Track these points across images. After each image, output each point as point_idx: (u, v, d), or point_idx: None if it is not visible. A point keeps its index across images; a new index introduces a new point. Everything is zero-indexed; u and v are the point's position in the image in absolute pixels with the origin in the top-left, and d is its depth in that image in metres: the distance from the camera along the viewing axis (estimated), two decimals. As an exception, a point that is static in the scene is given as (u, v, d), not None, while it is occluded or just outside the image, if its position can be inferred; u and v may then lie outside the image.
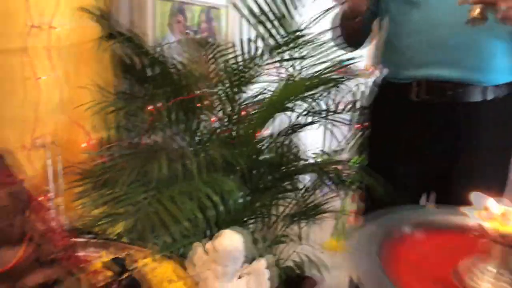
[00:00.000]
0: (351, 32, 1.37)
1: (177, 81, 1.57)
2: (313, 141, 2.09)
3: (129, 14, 1.81)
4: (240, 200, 1.39)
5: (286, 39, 1.64)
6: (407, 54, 1.27)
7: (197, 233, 1.26)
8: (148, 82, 1.62)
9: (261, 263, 0.94)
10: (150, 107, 1.43)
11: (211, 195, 1.20)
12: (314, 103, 1.69)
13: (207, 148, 1.39)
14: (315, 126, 1.82)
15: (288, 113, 1.78)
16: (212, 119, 1.65)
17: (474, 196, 0.75)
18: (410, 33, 1.25)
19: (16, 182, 0.91)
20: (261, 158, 1.79)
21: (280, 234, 1.88)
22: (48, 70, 1.22)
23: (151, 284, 0.98)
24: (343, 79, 1.56)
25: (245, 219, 1.65)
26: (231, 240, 0.93)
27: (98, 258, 1.09)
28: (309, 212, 1.78)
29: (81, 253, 1.04)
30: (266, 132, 1.62)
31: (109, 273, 0.93)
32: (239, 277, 0.96)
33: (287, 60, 1.72)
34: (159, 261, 1.06)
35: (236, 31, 2.08)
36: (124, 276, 0.93)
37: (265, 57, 1.67)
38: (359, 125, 1.71)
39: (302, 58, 1.68)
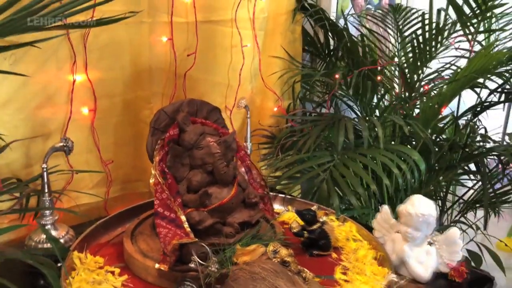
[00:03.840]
0: None
1: (358, 53, 1.58)
2: (493, 122, 1.89)
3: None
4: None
5: (482, 8, 1.51)
6: None
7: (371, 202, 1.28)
8: (331, 55, 1.67)
9: (454, 232, 0.91)
10: (336, 77, 1.47)
11: (399, 162, 1.20)
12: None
13: (387, 120, 1.38)
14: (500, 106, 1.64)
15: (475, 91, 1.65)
16: (396, 92, 1.62)
17: None
18: None
19: (229, 133, 1.04)
20: (442, 136, 1.71)
21: (456, 220, 1.77)
22: (251, 39, 1.35)
23: (337, 239, 1.03)
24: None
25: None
26: (426, 205, 0.92)
27: (285, 211, 1.19)
28: (491, 201, 1.63)
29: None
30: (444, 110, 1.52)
31: (301, 222, 1.00)
32: (429, 244, 0.95)
33: (482, 32, 1.58)
34: (342, 221, 1.11)
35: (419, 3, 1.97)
36: (315, 226, 0.99)
37: (456, 27, 1.57)
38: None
39: (501, 29, 1.52)
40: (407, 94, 1.65)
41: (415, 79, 1.73)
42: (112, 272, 0.89)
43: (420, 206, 0.91)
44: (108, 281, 0.84)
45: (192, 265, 0.79)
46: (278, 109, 1.48)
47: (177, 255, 0.84)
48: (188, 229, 0.87)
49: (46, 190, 0.91)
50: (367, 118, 1.33)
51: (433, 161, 1.58)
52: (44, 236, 0.91)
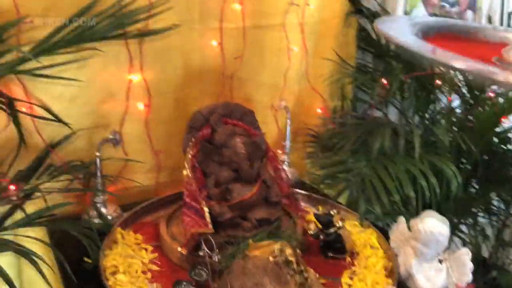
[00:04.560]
0: None
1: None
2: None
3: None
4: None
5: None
6: None
7: (408, 210, 1.28)
8: (387, 57, 1.66)
9: (463, 253, 0.92)
10: (384, 81, 1.47)
11: (429, 175, 1.20)
12: None
13: (438, 127, 1.36)
14: None
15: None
16: (449, 97, 1.57)
17: None
18: None
19: (259, 135, 1.13)
20: (503, 148, 1.62)
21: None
22: (299, 43, 1.41)
23: (354, 244, 1.08)
24: None
25: (474, 210, 1.55)
26: (436, 223, 0.93)
27: (313, 210, 1.25)
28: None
29: (301, 203, 1.22)
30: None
31: (319, 225, 1.07)
32: (440, 261, 0.96)
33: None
34: (365, 227, 1.15)
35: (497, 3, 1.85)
36: (331, 230, 1.05)
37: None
38: None
39: None
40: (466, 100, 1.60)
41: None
42: (146, 249, 1.04)
43: (429, 223, 0.92)
44: (139, 257, 1.00)
45: (201, 253, 0.90)
46: (321, 110, 1.53)
47: (196, 241, 0.96)
48: (209, 220, 0.98)
49: (98, 174, 1.08)
50: (404, 125, 1.33)
51: (488, 173, 1.52)
52: (95, 212, 1.09)
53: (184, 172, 1.04)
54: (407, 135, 1.29)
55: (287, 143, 1.37)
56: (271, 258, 0.91)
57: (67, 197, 1.13)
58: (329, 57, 1.51)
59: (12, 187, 0.98)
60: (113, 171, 1.24)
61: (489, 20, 1.72)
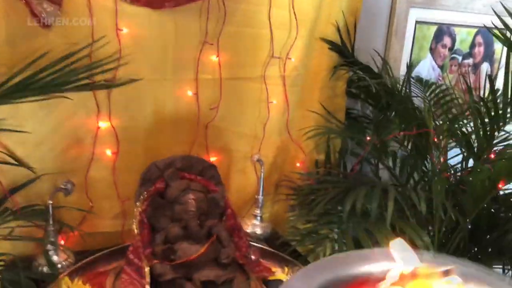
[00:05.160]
0: None
1: (414, 116, 1.47)
2: None
3: (384, 37, 1.81)
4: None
5: None
6: None
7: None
8: (383, 108, 1.60)
9: None
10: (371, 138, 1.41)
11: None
12: None
13: (419, 195, 1.27)
14: None
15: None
16: (442, 158, 1.48)
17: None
18: None
19: (219, 191, 1.10)
20: (502, 215, 1.50)
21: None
22: (280, 95, 1.38)
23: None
24: None
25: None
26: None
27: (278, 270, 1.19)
28: None
29: (265, 262, 1.17)
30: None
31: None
32: None
33: None
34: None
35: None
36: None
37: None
38: None
39: None
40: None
41: (484, 144, 1.55)
42: (90, 303, 1.01)
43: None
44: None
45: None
46: (300, 164, 1.48)
47: (131, 302, 0.93)
48: (148, 280, 0.95)
49: (50, 222, 1.08)
50: (385, 185, 1.25)
51: (484, 242, 1.40)
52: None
53: (133, 227, 1.02)
54: (384, 196, 1.21)
55: (260, 197, 1.33)
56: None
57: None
58: (316, 110, 1.47)
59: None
60: (78, 215, 1.23)
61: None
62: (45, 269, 1.08)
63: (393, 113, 1.56)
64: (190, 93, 1.28)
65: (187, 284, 0.98)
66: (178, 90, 1.27)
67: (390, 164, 1.53)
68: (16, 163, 1.10)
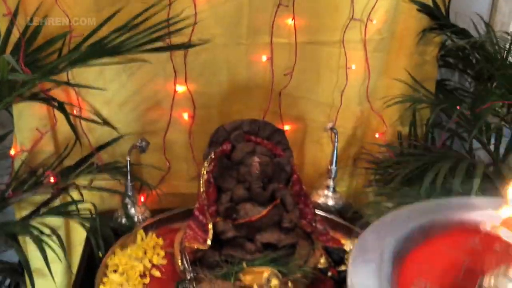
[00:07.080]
0: None
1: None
2: None
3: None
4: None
5: None
6: None
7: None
8: (483, 77, 1.43)
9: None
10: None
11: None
12: None
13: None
14: None
15: None
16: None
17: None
18: None
19: (286, 156, 1.08)
20: None
21: None
22: (360, 61, 1.30)
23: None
24: None
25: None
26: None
27: (347, 241, 1.14)
28: None
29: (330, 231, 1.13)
30: None
31: (329, 260, 0.97)
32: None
33: None
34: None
35: None
36: (342, 267, 0.95)
37: None
38: None
39: None
40: None
41: None
42: (158, 254, 1.07)
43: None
44: (144, 260, 1.03)
45: (181, 268, 0.89)
46: (379, 135, 1.39)
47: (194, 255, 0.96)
48: (210, 237, 0.97)
49: (128, 178, 1.16)
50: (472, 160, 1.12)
51: None
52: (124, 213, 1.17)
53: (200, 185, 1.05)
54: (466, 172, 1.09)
55: (333, 168, 1.28)
56: (255, 286, 0.86)
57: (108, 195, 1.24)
58: (402, 77, 1.36)
59: (51, 179, 1.11)
60: (157, 175, 1.31)
61: None
62: (123, 220, 1.16)
63: (494, 84, 1.39)
64: (264, 58, 1.27)
65: (248, 244, 0.99)
66: (252, 55, 1.26)
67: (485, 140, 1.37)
68: (101, 122, 1.20)
